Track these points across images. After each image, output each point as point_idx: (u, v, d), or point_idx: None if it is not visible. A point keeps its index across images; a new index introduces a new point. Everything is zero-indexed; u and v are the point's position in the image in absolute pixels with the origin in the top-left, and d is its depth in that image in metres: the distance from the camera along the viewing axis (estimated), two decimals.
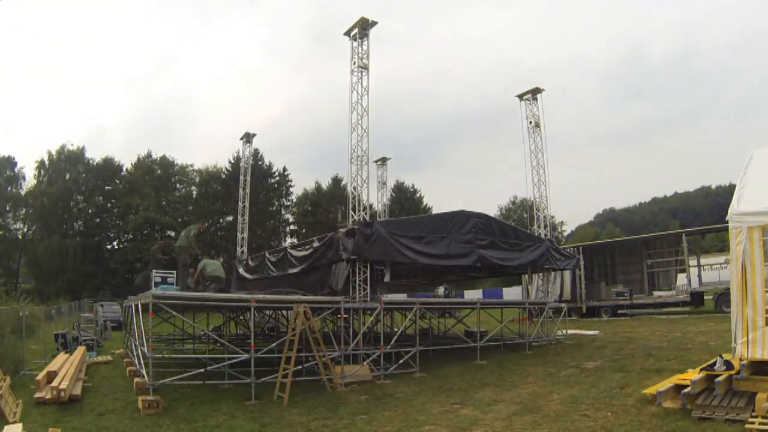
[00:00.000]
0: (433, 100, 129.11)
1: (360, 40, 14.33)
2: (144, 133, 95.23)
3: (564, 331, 17.96)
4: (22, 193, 50.39)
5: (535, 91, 19.55)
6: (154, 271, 13.89)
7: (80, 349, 15.09)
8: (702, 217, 69.58)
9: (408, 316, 14.25)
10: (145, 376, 9.80)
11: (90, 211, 51.47)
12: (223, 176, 52.83)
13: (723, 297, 20.59)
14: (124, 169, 53.69)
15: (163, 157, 55.13)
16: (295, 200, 58.26)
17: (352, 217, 13.51)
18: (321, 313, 12.41)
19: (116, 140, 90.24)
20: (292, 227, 57.29)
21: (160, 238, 49.04)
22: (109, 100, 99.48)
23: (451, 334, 18.54)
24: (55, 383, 10.05)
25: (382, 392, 10.78)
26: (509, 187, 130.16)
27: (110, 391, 11.25)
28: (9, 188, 50.00)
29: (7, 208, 49.63)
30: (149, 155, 54.74)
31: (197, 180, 56.06)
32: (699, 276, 23.14)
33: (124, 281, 46.48)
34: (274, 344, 11.63)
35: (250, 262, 20.24)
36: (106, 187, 51.97)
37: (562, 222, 67.67)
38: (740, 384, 6.75)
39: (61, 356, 13.67)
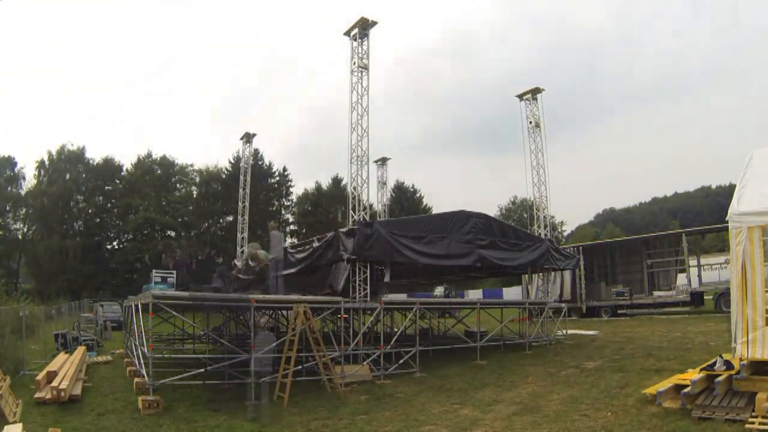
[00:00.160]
0: (432, 99, 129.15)
1: (360, 40, 14.34)
2: (144, 133, 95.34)
3: (564, 331, 17.96)
4: (22, 193, 50.35)
5: (535, 91, 19.54)
6: (154, 271, 13.91)
7: (80, 349, 15.09)
8: (702, 217, 69.49)
9: (408, 316, 14.26)
10: (145, 376, 9.80)
11: (90, 211, 51.44)
12: (223, 176, 52.81)
13: (723, 297, 20.57)
14: (124, 169, 53.67)
15: (163, 157, 55.09)
16: (295, 200, 58.32)
17: (352, 217, 13.51)
18: (321, 313, 12.41)
19: (116, 140, 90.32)
20: (292, 227, 57.26)
21: (161, 238, 49.15)
22: (110, 100, 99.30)
23: (451, 334, 18.55)
24: (55, 383, 10.06)
25: (382, 392, 10.78)
26: (509, 187, 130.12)
27: (110, 391, 11.26)
28: (9, 188, 49.93)
29: (7, 208, 49.58)
30: (149, 155, 54.72)
31: (197, 180, 56.02)
32: (699, 276, 23.13)
33: (124, 281, 46.47)
34: (274, 344, 11.62)
35: (250, 262, 20.21)
36: (106, 187, 51.93)
37: (562, 222, 67.63)
38: (740, 384, 6.75)
39: (61, 356, 13.67)
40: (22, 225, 50.91)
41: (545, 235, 18.84)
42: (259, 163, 52.27)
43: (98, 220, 51.97)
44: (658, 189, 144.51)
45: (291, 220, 57.95)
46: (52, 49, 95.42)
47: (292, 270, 15.22)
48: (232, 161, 50.40)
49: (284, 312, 17.97)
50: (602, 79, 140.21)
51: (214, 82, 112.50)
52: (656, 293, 25.57)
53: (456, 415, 8.56)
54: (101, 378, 12.97)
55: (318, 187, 57.77)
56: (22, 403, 9.21)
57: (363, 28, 14.32)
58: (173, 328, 18.79)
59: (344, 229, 13.37)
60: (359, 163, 13.75)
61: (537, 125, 19.40)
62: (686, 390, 7.03)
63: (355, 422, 8.43)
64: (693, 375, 7.52)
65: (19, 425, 6.63)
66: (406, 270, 18.48)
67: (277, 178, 56.64)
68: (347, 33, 14.58)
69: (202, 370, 10.65)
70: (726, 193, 68.59)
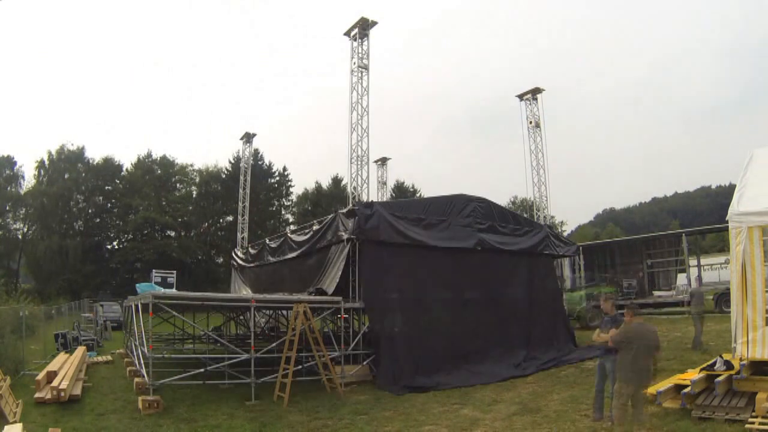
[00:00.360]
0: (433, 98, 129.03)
1: (360, 41, 14.36)
2: (144, 133, 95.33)
3: None
4: (22, 192, 50.31)
5: (535, 91, 19.57)
6: (154, 271, 13.90)
7: (80, 349, 15.08)
8: (702, 217, 69.49)
9: None
10: (145, 376, 9.80)
11: (90, 211, 51.43)
12: (224, 176, 52.80)
13: (723, 297, 20.56)
14: (124, 169, 53.64)
15: (163, 157, 55.04)
16: (295, 200, 58.32)
17: None
18: (321, 313, 12.41)
19: (116, 140, 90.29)
20: (292, 227, 57.29)
21: (161, 238, 49.12)
22: (110, 100, 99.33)
23: None
24: (55, 383, 10.05)
25: (382, 392, 10.77)
26: (509, 187, 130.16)
27: (110, 391, 11.25)
28: (9, 188, 49.87)
29: (7, 207, 49.52)
30: (149, 155, 54.68)
31: (197, 180, 55.99)
32: (699, 276, 23.11)
33: (124, 281, 46.43)
34: (274, 344, 11.62)
35: (251, 250, 20.17)
36: (106, 187, 51.89)
37: (562, 222, 67.54)
38: (740, 384, 6.75)
39: (61, 356, 13.66)
40: (21, 225, 50.86)
41: None
42: (259, 163, 52.28)
43: (98, 220, 51.94)
44: (658, 189, 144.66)
45: (291, 220, 57.97)
46: (52, 49, 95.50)
47: (293, 254, 15.09)
48: (232, 161, 50.43)
49: (284, 312, 17.96)
50: (603, 79, 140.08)
51: (214, 82, 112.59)
52: (656, 293, 25.56)
53: (456, 415, 8.55)
54: (101, 378, 12.96)
55: (318, 187, 57.80)
56: (22, 403, 9.21)
57: (363, 28, 14.34)
58: (173, 328, 18.79)
59: (344, 210, 13.28)
60: (359, 163, 13.77)
61: (537, 125, 19.41)
62: (686, 390, 7.04)
63: (355, 422, 8.42)
64: (693, 375, 7.52)
65: (19, 425, 6.62)
66: None
67: (277, 178, 56.66)
68: (347, 33, 14.59)
69: (202, 370, 10.65)
70: (726, 193, 68.57)
